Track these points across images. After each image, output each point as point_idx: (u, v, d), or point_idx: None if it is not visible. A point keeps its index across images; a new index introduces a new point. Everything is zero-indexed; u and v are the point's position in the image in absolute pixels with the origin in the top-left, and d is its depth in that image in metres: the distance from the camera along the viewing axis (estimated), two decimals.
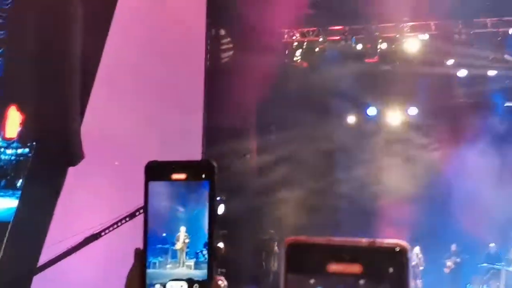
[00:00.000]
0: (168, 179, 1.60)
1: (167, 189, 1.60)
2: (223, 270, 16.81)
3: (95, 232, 12.88)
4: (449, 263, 18.40)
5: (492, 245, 18.54)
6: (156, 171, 1.62)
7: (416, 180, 19.13)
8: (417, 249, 18.57)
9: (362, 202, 19.15)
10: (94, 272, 12.42)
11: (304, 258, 1.13)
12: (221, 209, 16.72)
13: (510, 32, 16.77)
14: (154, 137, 13.39)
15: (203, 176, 1.59)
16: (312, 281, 1.12)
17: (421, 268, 18.50)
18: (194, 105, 15.68)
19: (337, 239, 1.14)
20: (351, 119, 19.61)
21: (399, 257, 1.11)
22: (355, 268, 1.10)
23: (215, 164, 1.59)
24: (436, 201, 19.41)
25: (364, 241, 1.12)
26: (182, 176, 1.60)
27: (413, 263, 18.41)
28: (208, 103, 16.05)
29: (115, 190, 12.50)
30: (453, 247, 18.60)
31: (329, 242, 1.14)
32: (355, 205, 19.29)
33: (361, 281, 1.10)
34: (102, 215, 12.85)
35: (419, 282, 18.08)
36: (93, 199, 12.68)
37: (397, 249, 1.12)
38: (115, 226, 12.84)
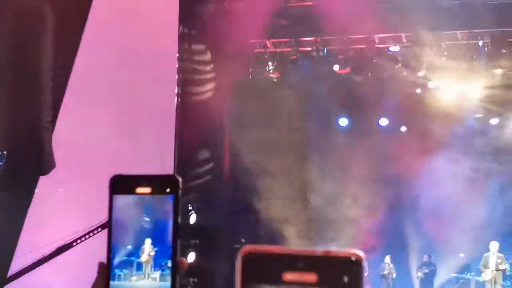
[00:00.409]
0: (133, 192, 1.61)
1: (131, 202, 1.61)
2: (195, 280, 16.85)
3: (67, 242, 12.81)
4: (419, 273, 18.44)
5: (462, 255, 18.67)
6: (121, 184, 1.62)
7: (387, 190, 19.26)
8: (387, 259, 18.64)
9: (333, 212, 19.19)
10: (66, 281, 12.35)
11: (259, 267, 1.13)
12: (193, 219, 16.75)
13: (480, 44, 16.96)
14: (126, 146, 13.36)
15: (168, 190, 1.59)
16: None
17: (393, 277, 18.55)
18: (166, 116, 15.66)
19: (293, 248, 1.14)
20: (322, 129, 19.62)
21: (354, 266, 1.12)
22: (310, 277, 1.10)
23: (179, 178, 1.60)
24: (408, 211, 19.53)
25: (319, 250, 1.12)
26: (147, 190, 1.60)
27: (385, 272, 18.48)
28: (181, 113, 16.03)
29: (87, 199, 12.44)
30: (425, 257, 18.67)
31: (285, 251, 1.14)
32: (327, 215, 19.36)
33: None
34: (74, 225, 12.79)
35: None
36: (65, 208, 12.62)
37: (352, 258, 1.12)
38: (88, 236, 12.77)
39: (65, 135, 13.00)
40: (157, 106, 14.98)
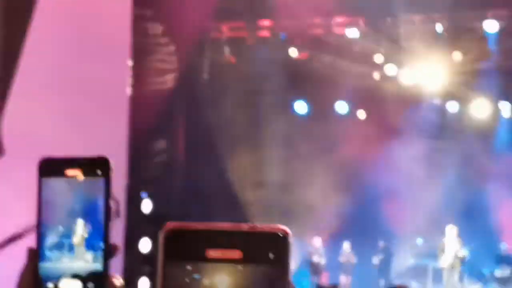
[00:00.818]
0: (62, 175, 1.56)
1: (61, 184, 1.56)
2: (151, 268, 16.63)
3: (17, 232, 12.46)
4: (376, 259, 18.45)
5: (419, 240, 18.76)
6: (50, 167, 1.58)
7: (345, 176, 19.27)
8: (346, 245, 18.66)
9: (290, 197, 19.18)
10: (14, 272, 11.96)
11: (182, 244, 1.12)
12: (148, 208, 16.51)
13: (438, 29, 16.95)
14: (76, 134, 13.05)
15: (99, 172, 1.54)
16: (189, 267, 1.11)
17: (352, 264, 18.55)
18: (119, 102, 15.38)
19: (217, 225, 1.14)
20: (280, 115, 19.52)
21: (280, 242, 1.10)
22: (234, 254, 1.09)
23: (110, 161, 1.55)
24: (366, 197, 19.54)
25: (244, 226, 1.12)
26: (76, 172, 1.55)
27: (344, 259, 18.49)
28: (134, 99, 15.76)
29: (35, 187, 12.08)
30: (381, 244, 18.70)
31: (208, 228, 1.14)
32: (284, 202, 19.31)
33: (240, 267, 1.09)
34: (24, 215, 12.42)
35: (348, 278, 18.16)
36: (14, 196, 12.27)
37: (278, 234, 1.10)
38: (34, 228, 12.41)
39: (14, 123, 12.65)
40: (109, 93, 14.66)
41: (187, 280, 1.11)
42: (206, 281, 1.11)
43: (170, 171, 16.93)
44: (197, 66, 17.64)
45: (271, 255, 1.10)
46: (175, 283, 1.12)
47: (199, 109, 17.25)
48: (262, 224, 1.12)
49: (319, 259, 18.32)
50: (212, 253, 1.11)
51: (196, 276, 1.11)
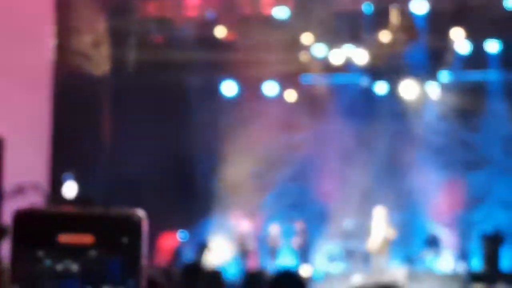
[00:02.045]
0: None
1: None
2: None
3: None
4: (298, 241, 18.38)
5: (347, 222, 18.82)
6: None
7: (271, 160, 19.23)
8: (272, 229, 18.62)
9: (216, 184, 19.13)
10: None
11: (33, 229, 1.08)
12: (73, 192, 16.15)
13: (365, 10, 16.99)
14: None
15: None
16: (41, 253, 1.08)
17: (278, 247, 18.51)
18: (41, 81, 15.00)
19: (70, 209, 1.11)
20: (208, 97, 19.36)
21: (133, 227, 1.09)
22: (87, 238, 1.08)
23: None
24: (295, 179, 19.56)
25: (97, 210, 1.10)
26: None
27: (271, 243, 18.44)
28: (57, 79, 15.36)
29: None
30: (299, 225, 18.70)
31: (60, 212, 1.11)
32: (212, 187, 19.21)
33: (93, 252, 1.07)
34: None
35: (274, 262, 18.13)
36: None
37: (131, 218, 1.10)
38: None
39: None
40: (30, 71, 14.24)
41: (39, 266, 1.07)
42: (58, 267, 1.08)
43: (95, 154, 16.62)
44: (124, 47, 17.31)
45: (124, 240, 1.08)
46: (26, 269, 1.07)
47: (125, 90, 16.93)
48: (115, 209, 1.11)
49: (247, 243, 18.23)
50: (64, 237, 1.08)
51: (47, 261, 1.08)
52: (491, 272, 14.61)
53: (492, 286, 10.93)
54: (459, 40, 17.06)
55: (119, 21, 16.71)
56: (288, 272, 3.35)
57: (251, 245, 18.27)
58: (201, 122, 19.27)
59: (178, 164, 18.30)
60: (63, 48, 15.51)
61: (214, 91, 19.23)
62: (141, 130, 16.94)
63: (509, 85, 18.12)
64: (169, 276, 13.54)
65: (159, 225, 17.76)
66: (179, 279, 15.37)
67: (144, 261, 1.09)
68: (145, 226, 1.10)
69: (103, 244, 1.08)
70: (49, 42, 15.34)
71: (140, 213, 1.10)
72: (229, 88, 18.97)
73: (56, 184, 15.33)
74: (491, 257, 15.89)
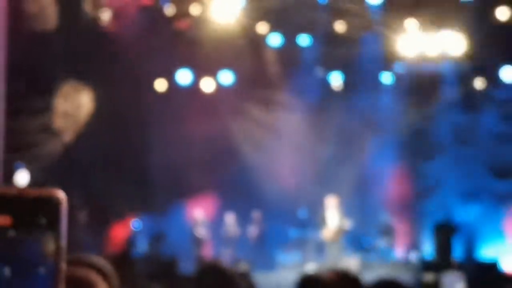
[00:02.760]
0: None
1: None
2: None
3: None
4: (253, 231, 18.48)
5: (300, 211, 18.99)
6: None
7: (226, 146, 19.35)
8: (229, 219, 18.71)
9: (170, 172, 19.18)
10: None
11: None
12: (24, 178, 15.98)
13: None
14: None
15: None
16: None
17: (236, 237, 18.60)
18: None
19: None
20: (161, 86, 19.34)
21: (52, 207, 1.06)
22: (4, 220, 1.05)
23: None
24: (248, 166, 19.65)
25: (14, 190, 1.07)
26: None
27: (228, 233, 18.51)
28: (8, 52, 15.08)
29: None
30: (256, 215, 18.84)
31: None
32: (162, 176, 19.24)
33: (11, 233, 1.05)
34: None
35: (231, 251, 18.20)
36: None
37: (50, 198, 1.06)
38: None
39: None
40: None
41: None
42: None
43: (47, 138, 16.46)
44: (76, 34, 17.11)
45: (43, 221, 1.05)
46: None
47: (78, 77, 16.78)
48: (34, 189, 1.06)
49: (201, 232, 18.28)
50: None
51: None
52: (443, 261, 14.88)
53: (443, 274, 11.07)
54: (414, 31, 17.33)
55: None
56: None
57: (205, 234, 18.34)
58: (156, 110, 19.26)
59: (131, 153, 18.25)
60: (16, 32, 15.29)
61: (169, 80, 19.24)
62: (94, 121, 16.85)
63: (463, 75, 18.51)
64: (120, 266, 13.42)
65: (112, 214, 17.74)
66: (132, 269, 15.38)
67: (64, 243, 1.07)
68: (64, 207, 1.07)
69: (21, 225, 1.06)
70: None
71: (60, 193, 1.07)
72: (184, 76, 19.00)
73: (7, 172, 15.16)
74: (443, 246, 16.17)
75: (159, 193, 19.29)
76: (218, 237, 18.59)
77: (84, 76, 16.73)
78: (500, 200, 18.77)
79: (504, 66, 17.91)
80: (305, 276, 1.98)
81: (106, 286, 2.04)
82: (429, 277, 13.48)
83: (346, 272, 2.00)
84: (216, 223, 18.98)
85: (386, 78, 18.87)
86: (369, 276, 2.13)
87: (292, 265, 16.37)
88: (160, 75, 18.95)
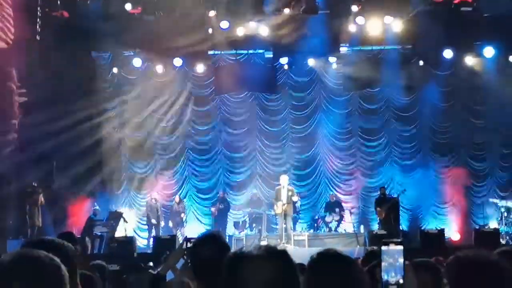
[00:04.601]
0: None
1: None
2: None
3: None
4: (213, 209, 18.80)
5: (255, 191, 19.28)
6: None
7: (181, 131, 19.57)
8: (176, 198, 18.92)
9: (126, 156, 19.47)
10: None
11: None
12: None
13: None
14: None
15: None
16: None
17: (182, 215, 18.87)
18: None
19: None
20: (115, 69, 19.35)
21: None
22: None
23: None
24: (203, 151, 19.97)
25: None
26: None
27: (174, 209, 18.71)
28: None
29: None
30: (220, 193, 19.09)
31: None
32: (118, 159, 19.46)
33: None
34: None
35: (179, 230, 18.36)
36: None
37: None
38: None
39: None
40: None
41: None
42: None
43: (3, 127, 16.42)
44: (30, 21, 16.99)
45: None
46: None
47: (31, 63, 16.68)
48: None
49: (156, 211, 18.41)
50: None
51: None
52: (389, 232, 14.99)
53: (389, 245, 11.23)
54: (358, 16, 17.52)
55: None
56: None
57: (159, 213, 18.49)
58: (109, 95, 19.37)
59: (86, 137, 18.23)
60: None
61: (124, 64, 19.26)
62: (49, 105, 16.74)
63: (404, 57, 18.84)
64: (81, 244, 13.67)
65: (71, 196, 17.81)
66: (91, 248, 15.65)
67: None
68: None
69: None
70: None
71: None
72: (137, 61, 19.01)
73: None
74: (390, 219, 16.43)
75: (115, 175, 19.45)
76: (172, 215, 18.84)
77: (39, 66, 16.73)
78: (441, 173, 19.38)
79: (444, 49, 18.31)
80: (232, 254, 2.19)
81: (66, 267, 2.05)
82: (372, 248, 13.61)
83: (273, 247, 2.20)
84: (169, 203, 19.25)
85: (332, 60, 19.06)
86: (317, 249, 2.44)
87: (246, 240, 16.56)
88: (112, 59, 18.95)
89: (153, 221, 18.33)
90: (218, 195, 19.32)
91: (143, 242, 18.32)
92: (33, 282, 1.97)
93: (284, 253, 2.21)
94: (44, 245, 2.40)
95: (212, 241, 3.42)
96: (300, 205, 18.46)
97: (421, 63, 18.89)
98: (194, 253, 3.46)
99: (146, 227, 18.72)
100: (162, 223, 18.66)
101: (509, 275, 2.59)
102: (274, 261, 2.16)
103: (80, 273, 2.58)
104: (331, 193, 19.28)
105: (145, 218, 18.88)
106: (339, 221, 18.31)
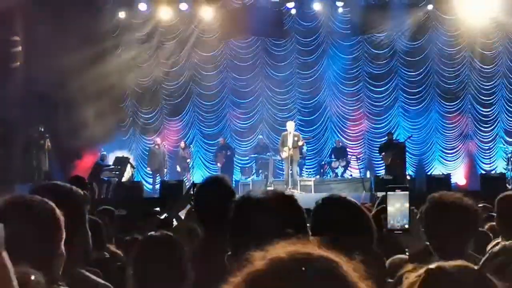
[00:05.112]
0: None
1: None
2: None
3: None
4: (219, 156, 18.85)
5: (260, 137, 19.31)
6: None
7: (185, 77, 19.52)
8: (182, 144, 18.98)
9: (131, 103, 19.32)
10: None
11: None
12: None
13: None
14: None
15: None
16: None
17: (188, 161, 18.94)
18: None
19: None
20: (121, 14, 19.25)
21: None
22: None
23: None
24: (206, 97, 19.96)
25: None
26: None
27: (183, 157, 18.78)
28: None
29: None
30: (221, 140, 19.13)
31: None
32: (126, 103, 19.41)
33: None
34: None
35: (187, 174, 18.42)
36: None
37: None
38: None
39: None
40: None
41: None
42: None
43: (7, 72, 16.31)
44: None
45: None
46: None
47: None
48: None
49: (162, 158, 18.50)
50: None
51: None
52: (396, 177, 15.04)
53: (395, 190, 11.28)
54: None
55: None
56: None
57: (165, 159, 18.59)
58: (114, 40, 19.27)
59: (91, 83, 18.12)
60: None
61: (128, 8, 19.15)
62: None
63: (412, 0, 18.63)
64: (90, 189, 13.71)
65: (79, 141, 17.82)
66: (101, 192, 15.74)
67: None
68: None
69: None
70: None
71: None
72: (142, 5, 18.91)
73: None
74: (396, 164, 16.51)
75: (122, 123, 19.52)
76: (178, 161, 18.95)
77: None
78: (447, 119, 19.35)
79: None
80: (240, 197, 2.19)
81: (63, 211, 2.08)
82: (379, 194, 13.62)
83: (281, 191, 2.21)
84: (175, 149, 19.34)
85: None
86: (323, 194, 2.43)
87: (254, 185, 16.63)
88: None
89: (155, 167, 18.43)
90: (218, 141, 19.34)
91: (148, 187, 18.40)
92: (25, 224, 1.97)
93: (291, 197, 2.20)
94: (51, 190, 2.40)
95: (217, 185, 3.39)
96: (306, 150, 18.46)
97: (430, 7, 18.73)
98: (198, 198, 3.45)
99: (151, 173, 18.82)
100: (165, 170, 18.68)
101: (474, 213, 2.96)
102: (281, 204, 2.15)
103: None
104: (337, 139, 19.28)
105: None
106: (346, 167, 18.35)
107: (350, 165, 18.56)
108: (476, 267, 1.66)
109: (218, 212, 2.90)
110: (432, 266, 1.61)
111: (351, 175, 18.28)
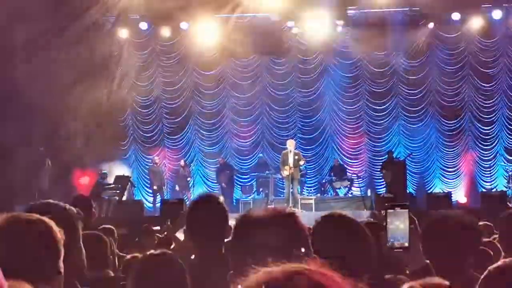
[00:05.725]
0: None
1: None
2: None
3: None
4: (222, 175, 18.81)
5: (261, 155, 19.30)
6: None
7: (186, 93, 19.45)
8: (182, 162, 18.97)
9: (130, 122, 19.26)
10: None
11: None
12: None
13: None
14: None
15: None
16: None
17: (189, 179, 18.92)
18: None
19: None
20: (122, 33, 19.28)
21: None
22: None
23: None
24: (208, 115, 19.94)
25: None
26: None
27: (183, 175, 18.77)
28: None
29: None
30: (220, 160, 19.13)
31: None
32: (124, 125, 19.37)
33: None
34: None
35: (188, 193, 18.40)
36: None
37: None
38: None
39: None
40: None
41: None
42: None
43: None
44: None
45: None
46: None
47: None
48: None
49: (161, 177, 18.52)
50: None
51: None
52: (395, 194, 15.04)
53: (395, 208, 11.23)
54: None
55: None
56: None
57: (165, 177, 18.60)
58: (115, 59, 19.27)
59: (92, 100, 18.13)
60: None
61: (130, 28, 19.18)
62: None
63: (412, 19, 18.70)
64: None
65: (77, 162, 17.79)
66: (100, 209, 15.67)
67: None
68: None
69: None
70: None
71: None
72: (143, 25, 18.97)
73: None
74: (396, 182, 16.49)
75: (122, 141, 19.48)
76: (178, 180, 18.89)
77: None
78: (448, 137, 19.33)
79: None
80: (241, 215, 2.18)
81: (62, 229, 2.10)
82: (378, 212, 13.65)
83: (283, 209, 2.20)
84: (175, 168, 19.29)
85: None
86: (324, 212, 2.44)
87: (254, 203, 16.61)
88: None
89: (155, 187, 18.42)
90: (218, 161, 19.32)
91: (149, 205, 18.37)
92: (24, 243, 1.98)
93: (292, 215, 2.19)
94: (46, 208, 2.42)
95: (207, 203, 3.39)
96: (305, 167, 18.25)
97: (430, 25, 18.78)
98: (189, 217, 3.42)
99: (151, 191, 18.81)
100: (163, 188, 18.66)
101: (474, 231, 2.99)
102: (283, 222, 2.14)
103: (89, 233, 2.59)
104: (336, 157, 19.26)
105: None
106: (350, 187, 18.38)
107: (353, 184, 18.56)
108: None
109: (211, 231, 2.89)
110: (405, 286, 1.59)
111: (352, 193, 18.28)
